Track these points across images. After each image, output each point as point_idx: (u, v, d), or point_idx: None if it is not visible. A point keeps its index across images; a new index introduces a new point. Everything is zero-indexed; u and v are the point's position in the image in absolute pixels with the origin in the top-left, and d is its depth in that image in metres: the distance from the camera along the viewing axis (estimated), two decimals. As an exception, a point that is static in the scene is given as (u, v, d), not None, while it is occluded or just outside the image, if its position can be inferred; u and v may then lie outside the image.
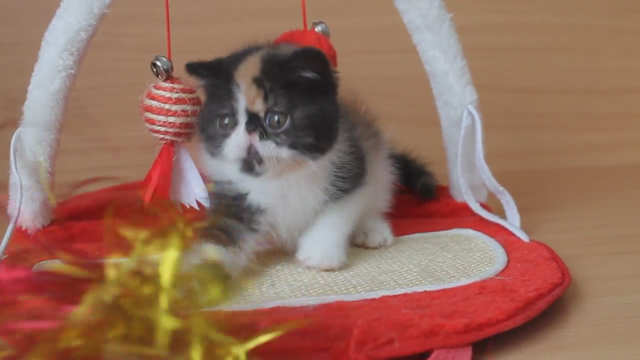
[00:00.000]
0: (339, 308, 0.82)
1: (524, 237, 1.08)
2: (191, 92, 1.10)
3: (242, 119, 0.92)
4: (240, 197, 0.98)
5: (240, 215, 0.97)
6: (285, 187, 0.96)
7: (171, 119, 1.08)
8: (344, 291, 0.89)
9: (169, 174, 1.13)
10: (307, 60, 0.93)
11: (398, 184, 1.18)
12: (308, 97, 0.93)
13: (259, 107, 0.92)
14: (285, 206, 0.98)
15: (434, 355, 0.72)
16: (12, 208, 1.12)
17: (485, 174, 1.18)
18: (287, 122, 0.91)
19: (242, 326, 0.63)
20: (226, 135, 0.93)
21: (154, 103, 1.09)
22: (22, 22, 1.64)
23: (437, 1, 1.16)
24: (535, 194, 1.50)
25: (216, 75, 0.97)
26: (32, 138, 1.11)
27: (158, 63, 1.10)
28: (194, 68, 0.98)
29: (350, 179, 0.99)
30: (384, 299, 0.85)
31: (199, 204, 1.14)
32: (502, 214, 1.19)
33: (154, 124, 1.09)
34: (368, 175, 1.03)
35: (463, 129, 1.18)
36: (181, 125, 1.08)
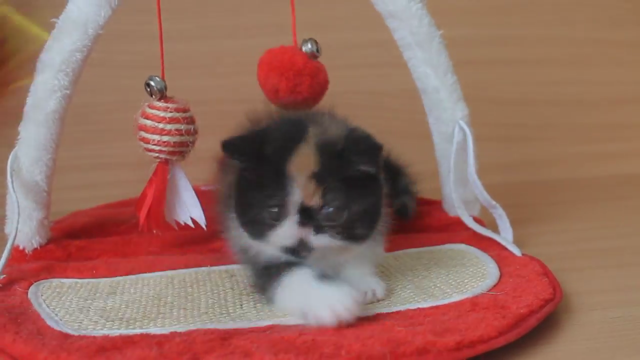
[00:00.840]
0: (333, 327, 0.83)
1: (516, 252, 1.09)
2: (185, 111, 1.12)
3: (294, 211, 0.88)
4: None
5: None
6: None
7: (165, 138, 1.09)
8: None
9: (163, 192, 1.14)
10: (366, 154, 0.90)
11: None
12: (362, 188, 0.90)
13: (316, 202, 0.88)
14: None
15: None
16: (10, 228, 1.14)
17: (478, 189, 1.19)
18: (344, 216, 0.89)
19: None
20: (273, 226, 0.89)
21: (148, 122, 1.10)
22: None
23: (427, 18, 1.17)
24: (527, 206, 1.51)
25: (257, 161, 0.90)
26: (29, 158, 1.12)
27: (152, 83, 1.11)
28: (233, 149, 0.91)
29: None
30: (378, 316, 0.86)
31: (193, 221, 1.16)
32: (495, 227, 1.21)
33: (148, 142, 1.10)
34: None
35: (455, 144, 1.20)
36: (175, 144, 1.10)
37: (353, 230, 0.90)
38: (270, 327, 0.84)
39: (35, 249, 1.15)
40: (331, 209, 0.88)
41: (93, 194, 1.59)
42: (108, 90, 1.64)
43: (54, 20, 1.11)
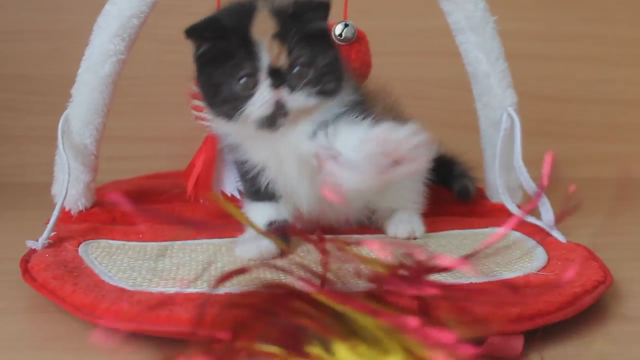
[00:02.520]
0: (387, 295, 0.83)
1: (561, 238, 1.10)
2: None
3: (264, 76, 0.93)
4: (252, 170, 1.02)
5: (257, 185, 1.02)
6: (275, 142, 0.98)
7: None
8: (391, 280, 0.90)
9: (212, 163, 1.15)
10: (317, 11, 0.95)
11: (435, 184, 1.19)
12: (324, 45, 0.97)
13: (283, 61, 0.93)
14: (280, 161, 0.99)
15: (488, 341, 0.73)
16: (58, 189, 1.14)
17: (523, 176, 1.19)
18: (312, 72, 0.94)
19: None
20: (248, 96, 0.93)
21: (203, 91, 1.10)
22: (61, 10, 1.67)
23: (482, 3, 1.17)
24: (565, 200, 1.50)
25: (222, 36, 0.94)
26: (80, 121, 1.13)
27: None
28: (196, 32, 0.95)
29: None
30: (430, 288, 0.86)
31: (240, 192, 1.16)
32: (536, 216, 1.21)
33: (201, 111, 1.11)
34: None
35: (502, 131, 1.20)
36: (229, 113, 1.10)
37: (324, 85, 0.95)
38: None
39: (81, 212, 1.17)
40: (299, 67, 0.93)
41: (129, 166, 1.61)
42: (149, 63, 1.65)
43: (112, -16, 1.12)
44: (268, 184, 1.01)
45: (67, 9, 1.66)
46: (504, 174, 1.21)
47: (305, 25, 0.94)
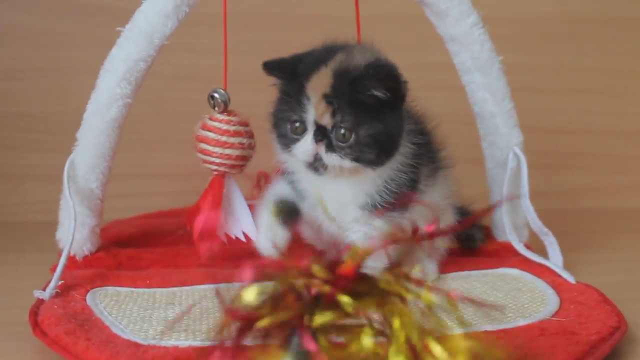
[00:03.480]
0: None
1: (570, 279, 1.09)
2: (246, 124, 1.12)
3: (311, 128, 0.97)
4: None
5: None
6: (324, 185, 1.01)
7: (227, 151, 1.09)
8: (404, 329, 0.89)
9: (219, 205, 1.14)
10: (378, 79, 0.95)
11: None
12: (374, 114, 0.97)
13: (327, 121, 0.96)
14: (324, 193, 1.01)
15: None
16: (63, 234, 1.13)
17: (531, 215, 1.19)
18: (352, 139, 0.96)
19: None
20: (296, 140, 0.99)
21: (211, 135, 1.10)
22: (61, 47, 1.66)
23: (488, 44, 1.18)
24: (566, 234, 1.50)
25: (290, 79, 1.00)
26: (85, 165, 1.12)
27: (216, 95, 1.11)
28: (268, 68, 1.02)
29: (393, 193, 1.01)
30: (443, 338, 0.86)
31: (245, 235, 1.15)
32: (542, 254, 1.20)
33: (210, 155, 1.10)
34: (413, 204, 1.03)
35: (509, 170, 1.20)
36: (237, 157, 1.10)
37: (362, 154, 0.97)
38: (341, 345, 0.83)
39: (86, 256, 1.15)
40: (342, 130, 0.96)
41: (129, 203, 1.59)
42: (150, 100, 1.64)
43: (119, 29, 1.12)
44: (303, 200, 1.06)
45: (67, 46, 1.65)
46: (511, 212, 1.22)
47: (359, 92, 0.95)
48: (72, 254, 1.14)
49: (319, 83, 0.97)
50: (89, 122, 1.12)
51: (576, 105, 1.83)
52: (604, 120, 1.84)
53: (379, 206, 1.01)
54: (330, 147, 0.97)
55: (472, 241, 1.28)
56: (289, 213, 1.05)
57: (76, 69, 1.63)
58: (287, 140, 1.00)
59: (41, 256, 1.20)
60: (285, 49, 1.69)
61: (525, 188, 1.19)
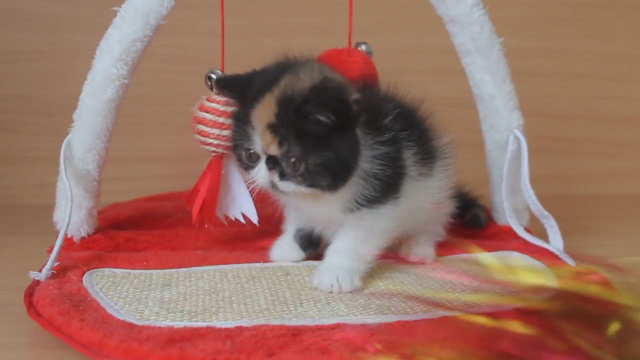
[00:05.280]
0: (401, 327, 0.82)
1: (570, 262, 1.08)
2: (244, 105, 1.11)
3: (263, 156, 0.95)
4: None
5: None
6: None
7: (225, 132, 1.08)
8: (402, 311, 0.88)
9: (217, 187, 1.13)
10: (321, 103, 0.90)
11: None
12: (323, 142, 0.92)
13: (274, 151, 0.93)
14: (307, 209, 1.02)
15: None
16: (60, 216, 1.13)
17: (531, 198, 1.18)
18: (302, 168, 0.93)
19: None
20: (251, 167, 0.97)
21: (208, 116, 1.09)
22: (60, 30, 1.65)
23: (488, 25, 1.16)
24: (567, 219, 1.49)
25: (240, 101, 0.99)
26: (82, 146, 1.11)
27: (213, 76, 1.10)
28: (221, 84, 1.03)
29: (377, 189, 0.97)
30: (444, 319, 0.85)
31: (245, 217, 1.15)
32: (543, 238, 1.20)
33: (207, 136, 1.09)
34: (403, 195, 1.00)
35: (509, 153, 1.19)
36: (234, 138, 1.09)
37: (317, 181, 0.93)
38: (337, 326, 0.83)
39: (83, 238, 1.15)
40: (292, 159, 0.92)
41: (128, 187, 1.59)
42: (147, 83, 1.62)
43: (114, 9, 1.10)
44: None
45: (66, 29, 1.64)
46: (511, 196, 1.21)
47: (305, 120, 0.91)
48: (69, 235, 1.13)
49: (264, 112, 0.93)
50: (85, 103, 1.11)
51: (577, 90, 1.81)
52: (605, 105, 1.82)
53: (363, 204, 0.97)
54: (283, 176, 0.94)
55: (477, 221, 1.27)
56: (308, 241, 1.08)
57: (76, 52, 1.62)
58: (245, 166, 0.98)
59: (40, 238, 1.19)
60: (284, 32, 1.69)
61: (525, 171, 1.18)
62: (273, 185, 0.95)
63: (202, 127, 1.10)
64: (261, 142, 0.93)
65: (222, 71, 1.12)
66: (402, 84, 1.72)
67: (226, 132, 1.08)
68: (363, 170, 0.96)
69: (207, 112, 1.09)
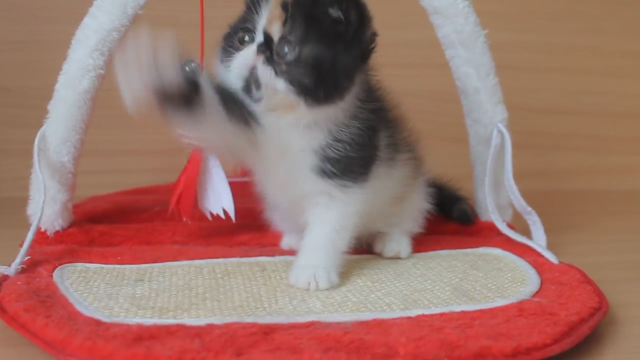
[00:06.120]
0: (377, 325, 0.80)
1: (552, 259, 1.07)
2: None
3: (258, 39, 0.90)
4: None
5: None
6: (277, 123, 0.92)
7: (202, 124, 1.05)
8: (379, 309, 0.86)
9: (195, 180, 1.11)
10: (340, 0, 0.88)
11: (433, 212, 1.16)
12: (326, 39, 0.89)
13: (275, 30, 0.89)
14: (272, 144, 0.94)
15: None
16: (33, 208, 1.10)
17: (514, 194, 1.16)
18: (293, 55, 0.88)
19: None
20: (239, 49, 0.92)
21: (185, 107, 1.06)
22: (38, 21, 1.63)
23: (472, 17, 1.14)
24: (552, 214, 1.47)
25: None
26: (57, 138, 1.09)
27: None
28: None
29: (345, 159, 0.94)
30: (421, 317, 0.83)
31: (225, 212, 1.12)
32: (527, 234, 1.18)
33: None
34: (372, 178, 0.97)
35: (492, 148, 1.17)
36: (211, 130, 1.06)
37: (299, 77, 0.88)
38: (311, 324, 0.80)
39: (57, 232, 1.12)
40: (286, 48, 0.88)
41: (108, 180, 1.57)
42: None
43: (92, -2, 1.08)
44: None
45: (45, 19, 1.62)
46: (494, 191, 1.19)
47: (315, 5, 0.89)
48: (43, 229, 1.11)
49: None
50: (60, 94, 1.09)
51: (567, 85, 1.80)
52: (594, 101, 1.81)
53: (331, 173, 0.93)
54: (268, 61, 0.89)
55: (466, 216, 1.25)
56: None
57: (55, 43, 1.56)
58: (230, 52, 0.92)
59: (15, 232, 1.16)
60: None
61: (509, 166, 1.16)
62: (251, 74, 0.89)
63: (179, 119, 1.07)
64: (267, 17, 0.90)
65: (201, 65, 1.09)
66: (387, 77, 1.72)
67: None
68: (342, 121, 0.93)
69: (184, 104, 1.06)
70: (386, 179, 1.01)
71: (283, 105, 0.91)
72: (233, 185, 1.13)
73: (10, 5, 1.61)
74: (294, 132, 0.93)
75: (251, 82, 0.90)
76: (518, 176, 1.18)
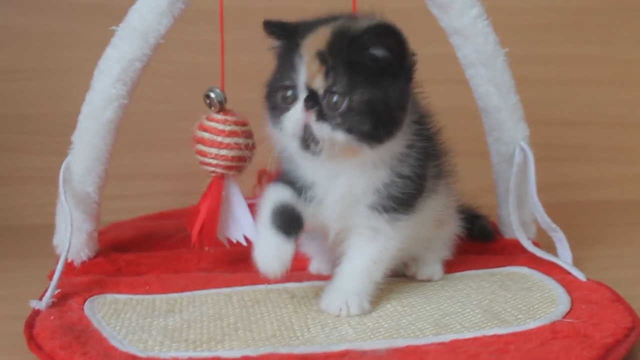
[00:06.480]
0: (411, 352, 0.80)
1: (580, 276, 1.06)
2: (244, 124, 1.09)
3: (302, 94, 0.87)
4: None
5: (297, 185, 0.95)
6: (337, 168, 0.92)
7: (223, 152, 1.07)
8: (411, 335, 0.86)
9: (217, 208, 1.11)
10: (379, 36, 0.86)
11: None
12: (373, 79, 0.86)
13: (319, 84, 0.86)
14: (333, 188, 0.93)
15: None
16: (60, 239, 1.11)
17: (538, 211, 1.16)
18: (345, 105, 0.85)
19: None
20: (286, 109, 0.88)
21: (206, 135, 1.08)
22: (57, 48, 1.64)
23: (492, 36, 1.15)
24: (573, 228, 1.47)
25: (288, 40, 0.91)
26: (81, 168, 1.09)
27: (212, 95, 1.08)
28: (270, 27, 0.93)
29: (405, 195, 0.93)
30: (455, 343, 0.83)
31: (246, 239, 1.12)
32: (550, 250, 1.17)
33: (205, 156, 1.08)
34: (419, 207, 0.97)
35: (515, 166, 1.17)
36: (233, 158, 1.08)
37: (355, 123, 0.85)
38: (346, 353, 0.80)
39: (84, 262, 1.13)
40: (334, 97, 0.85)
41: (130, 205, 1.58)
42: (147, 99, 1.60)
43: (113, 28, 1.09)
44: (308, 195, 0.94)
45: (63, 46, 1.63)
46: (518, 209, 1.19)
47: (355, 50, 0.86)
48: (69, 260, 1.12)
49: (315, 41, 0.87)
50: (83, 125, 1.09)
51: (582, 96, 1.79)
52: (610, 111, 1.81)
53: (388, 207, 0.93)
54: (321, 116, 0.86)
55: (487, 234, 1.25)
56: (290, 221, 0.92)
57: (73, 70, 1.61)
58: (277, 112, 0.89)
59: (40, 261, 1.18)
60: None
61: (532, 183, 1.16)
62: (306, 132, 0.87)
63: (200, 147, 1.08)
64: (306, 72, 0.86)
65: (222, 89, 1.10)
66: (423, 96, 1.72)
67: (224, 152, 1.07)
68: (401, 152, 0.92)
69: (205, 131, 1.08)
70: (429, 209, 1.01)
71: (345, 153, 0.89)
72: (252, 207, 1.13)
73: (28, 33, 1.62)
74: (356, 175, 0.92)
75: (307, 138, 0.87)
76: (537, 189, 1.17)
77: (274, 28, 0.93)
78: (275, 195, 0.94)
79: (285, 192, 0.94)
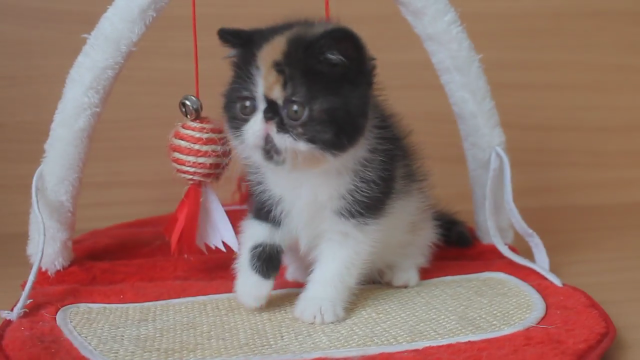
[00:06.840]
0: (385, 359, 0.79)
1: (556, 282, 1.06)
2: (220, 131, 1.08)
3: (261, 105, 0.86)
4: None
5: (265, 206, 0.96)
6: (300, 178, 0.91)
7: (201, 160, 1.06)
8: (385, 342, 0.86)
9: (196, 215, 1.10)
10: (335, 40, 0.84)
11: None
12: (332, 87, 0.85)
13: (277, 95, 0.85)
14: (297, 198, 0.93)
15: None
16: (33, 248, 1.10)
17: (515, 217, 1.16)
18: (305, 115, 0.84)
19: None
20: (246, 120, 0.87)
21: (183, 143, 1.07)
22: (33, 56, 1.63)
23: (466, 42, 1.15)
24: (551, 233, 1.47)
25: (244, 48, 0.89)
26: (54, 177, 1.08)
27: (187, 102, 1.08)
28: (224, 35, 0.91)
29: (371, 199, 0.93)
30: (428, 350, 0.83)
31: (225, 245, 1.12)
32: (528, 255, 1.18)
33: (183, 164, 1.07)
34: (388, 210, 0.97)
35: (491, 171, 1.17)
36: (211, 165, 1.07)
37: (317, 133, 0.84)
38: (318, 360, 0.80)
39: (58, 271, 1.12)
40: (294, 107, 0.84)
41: (107, 212, 1.57)
42: (124, 106, 1.60)
43: (84, 36, 1.08)
44: (277, 210, 0.95)
45: (39, 54, 1.62)
46: (494, 214, 1.19)
47: (312, 58, 0.84)
48: (43, 269, 1.11)
49: (271, 51, 0.85)
50: (56, 133, 1.08)
51: (561, 101, 1.80)
52: (589, 116, 1.82)
53: (355, 212, 0.93)
54: (281, 127, 0.84)
55: (465, 240, 1.25)
56: (268, 262, 0.95)
57: (49, 78, 1.59)
58: (237, 123, 0.88)
59: (14, 270, 1.16)
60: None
61: (508, 189, 1.17)
62: (267, 142, 0.85)
63: (177, 155, 1.07)
64: (263, 84, 0.85)
65: (197, 97, 1.10)
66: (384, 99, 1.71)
67: (202, 160, 1.06)
68: (364, 156, 0.92)
69: (182, 139, 1.07)
70: (401, 212, 1.00)
71: (308, 162, 0.87)
72: (231, 213, 1.13)
73: (4, 41, 1.61)
74: (320, 183, 0.91)
75: (270, 149, 0.86)
76: (515, 194, 1.18)
77: (229, 36, 0.91)
78: (252, 234, 0.97)
79: (261, 231, 0.97)
